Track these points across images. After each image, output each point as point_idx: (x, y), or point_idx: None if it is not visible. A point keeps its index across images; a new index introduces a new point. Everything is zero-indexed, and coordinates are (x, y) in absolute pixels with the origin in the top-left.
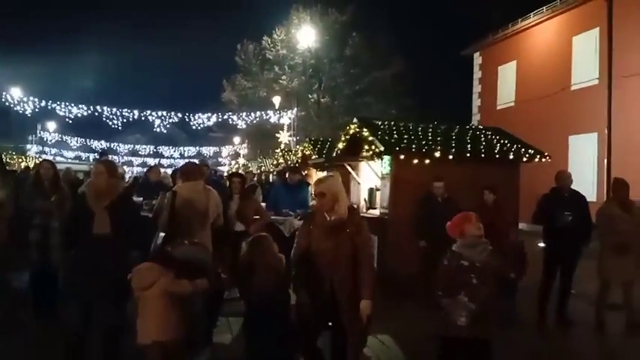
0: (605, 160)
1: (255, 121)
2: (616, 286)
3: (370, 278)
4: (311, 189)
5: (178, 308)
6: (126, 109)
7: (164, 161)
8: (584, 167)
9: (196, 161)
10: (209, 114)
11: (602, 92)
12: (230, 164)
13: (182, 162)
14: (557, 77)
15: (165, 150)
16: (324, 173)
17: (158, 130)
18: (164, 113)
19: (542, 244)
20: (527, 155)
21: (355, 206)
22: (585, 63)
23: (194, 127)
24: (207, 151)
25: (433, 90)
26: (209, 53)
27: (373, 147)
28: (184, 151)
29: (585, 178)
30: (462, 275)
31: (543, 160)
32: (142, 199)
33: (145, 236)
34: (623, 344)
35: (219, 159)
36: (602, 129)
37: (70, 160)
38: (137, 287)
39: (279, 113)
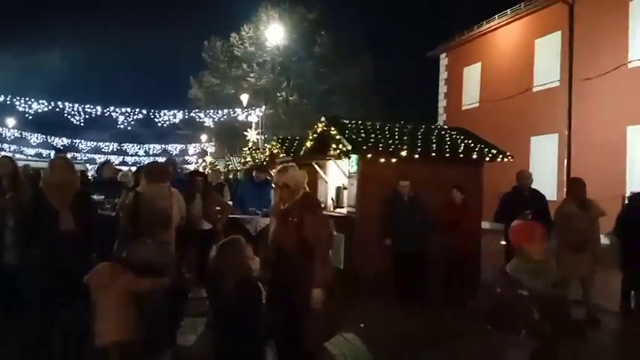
0: (565, 161)
1: (222, 119)
2: (574, 282)
3: (321, 267)
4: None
5: (138, 308)
6: (89, 105)
7: (128, 159)
8: (545, 167)
9: (162, 160)
10: (175, 111)
11: (562, 94)
12: (197, 162)
13: (147, 160)
14: (520, 79)
15: (129, 147)
16: None
17: (122, 126)
18: (128, 110)
19: (503, 242)
20: (490, 155)
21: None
22: (547, 65)
23: (160, 125)
24: (174, 148)
25: (401, 90)
26: (175, 49)
27: (341, 146)
28: (149, 148)
29: (546, 177)
30: (520, 307)
31: (506, 159)
32: (103, 197)
33: (104, 235)
34: (580, 338)
35: (186, 157)
36: (562, 130)
37: (30, 157)
38: (95, 287)
39: (247, 111)
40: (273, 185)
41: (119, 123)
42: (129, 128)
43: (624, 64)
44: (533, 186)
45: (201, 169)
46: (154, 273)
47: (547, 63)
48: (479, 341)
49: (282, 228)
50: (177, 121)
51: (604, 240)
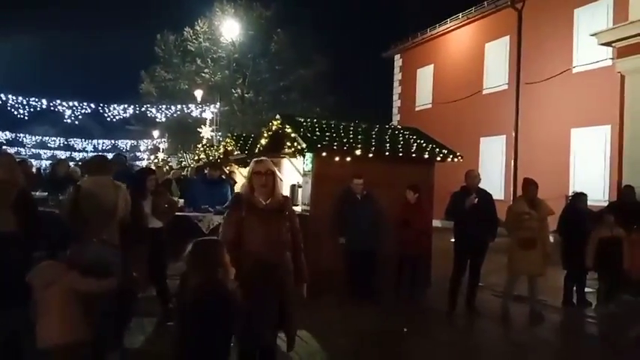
0: (512, 161)
1: (175, 115)
2: (523, 279)
3: (304, 263)
4: (239, 179)
5: (83, 308)
6: (33, 98)
7: (76, 154)
8: (493, 167)
9: (110, 155)
10: (126, 105)
11: (510, 97)
12: (149, 159)
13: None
14: (470, 81)
15: (77, 142)
16: (247, 169)
17: (69, 121)
18: (76, 103)
19: (453, 240)
20: (441, 155)
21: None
22: (496, 69)
23: (109, 119)
24: (124, 144)
25: (356, 89)
26: (126, 42)
27: (295, 144)
28: (98, 144)
29: (494, 177)
30: None
31: (456, 159)
32: (46, 194)
33: (47, 233)
34: (526, 333)
35: (137, 153)
36: (509, 131)
37: None
38: (38, 286)
39: (202, 107)
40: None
41: (66, 117)
42: (76, 123)
43: (569, 69)
44: (482, 185)
45: (153, 166)
46: (100, 272)
47: (496, 66)
48: (431, 338)
49: (269, 228)
50: (127, 116)
51: (550, 238)
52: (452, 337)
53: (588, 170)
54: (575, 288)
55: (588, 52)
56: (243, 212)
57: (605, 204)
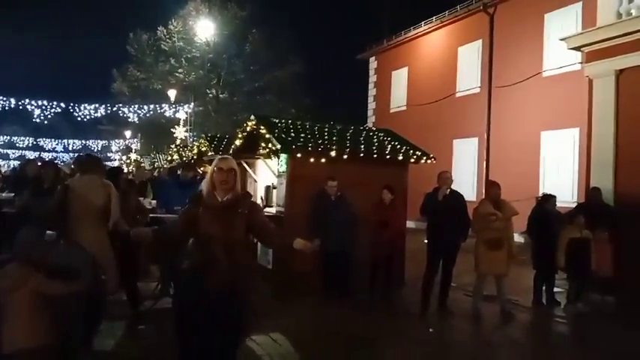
0: (484, 163)
1: (148, 115)
2: (490, 278)
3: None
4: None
5: (49, 312)
6: (1, 97)
7: (45, 155)
8: (466, 169)
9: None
10: (97, 105)
11: (483, 100)
12: (121, 159)
13: (66, 155)
14: (444, 84)
15: (46, 142)
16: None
17: (38, 120)
18: (45, 103)
19: (426, 241)
20: (415, 156)
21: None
22: (469, 72)
23: (80, 119)
24: (95, 144)
25: (332, 91)
26: (97, 40)
27: (270, 145)
28: (69, 144)
29: (467, 178)
30: None
31: (429, 161)
32: (12, 194)
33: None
34: (496, 332)
35: (109, 153)
36: (482, 134)
37: None
38: (3, 290)
39: (175, 107)
40: (212, 174)
41: (35, 116)
42: (46, 122)
43: (539, 72)
44: (455, 187)
45: (125, 167)
46: (69, 275)
47: (469, 69)
48: (404, 337)
49: (223, 225)
50: (99, 115)
51: (518, 238)
52: (424, 336)
53: (557, 172)
54: (544, 288)
55: (558, 56)
56: (200, 209)
57: (574, 205)
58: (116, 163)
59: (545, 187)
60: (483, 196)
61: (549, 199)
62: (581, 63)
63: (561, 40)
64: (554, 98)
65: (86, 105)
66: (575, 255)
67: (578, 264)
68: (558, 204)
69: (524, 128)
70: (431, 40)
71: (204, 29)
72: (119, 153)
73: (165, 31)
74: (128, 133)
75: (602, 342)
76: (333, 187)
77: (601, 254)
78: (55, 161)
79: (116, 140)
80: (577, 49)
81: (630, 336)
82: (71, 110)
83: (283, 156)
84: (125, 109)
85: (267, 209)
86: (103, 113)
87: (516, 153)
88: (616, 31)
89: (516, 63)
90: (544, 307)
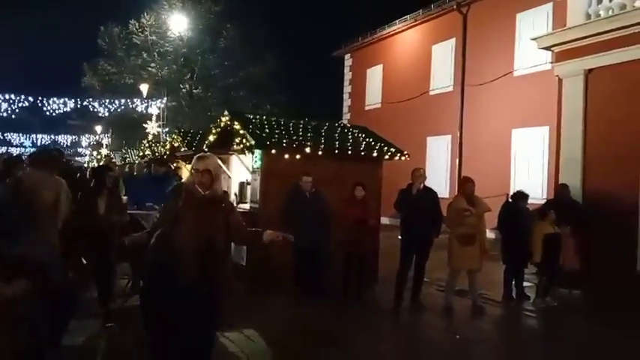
0: (457, 160)
1: (119, 110)
2: (463, 273)
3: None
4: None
5: (9, 313)
6: None
7: (13, 150)
8: (439, 166)
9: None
10: (66, 99)
11: (456, 98)
12: (91, 155)
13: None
14: (418, 82)
15: (14, 137)
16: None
17: (5, 114)
18: (12, 96)
19: (400, 237)
20: (389, 153)
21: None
22: (442, 70)
23: (49, 113)
24: (64, 139)
25: (308, 88)
26: (68, 33)
27: (244, 140)
28: (37, 139)
29: (440, 175)
30: None
31: (403, 158)
32: None
33: None
34: (467, 326)
35: (79, 149)
36: (455, 132)
37: None
38: None
39: (147, 102)
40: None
41: (2, 110)
42: (13, 117)
43: (511, 72)
44: (428, 183)
45: (95, 163)
46: (32, 273)
47: (443, 68)
48: (377, 333)
49: (204, 219)
50: (68, 110)
51: (490, 234)
52: (397, 331)
53: (528, 169)
54: (514, 282)
55: (529, 55)
56: (181, 202)
57: (543, 202)
58: (86, 159)
59: (515, 184)
60: (456, 193)
61: (522, 196)
62: (551, 63)
63: (532, 39)
64: (525, 97)
65: (55, 99)
66: (548, 250)
67: (550, 259)
68: (528, 200)
69: (495, 126)
70: (405, 39)
71: (178, 23)
72: (89, 148)
73: (137, 24)
74: (99, 128)
75: (570, 335)
76: (308, 183)
77: (567, 249)
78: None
79: (86, 135)
80: (547, 48)
81: (597, 329)
82: (40, 104)
83: (257, 152)
84: (96, 104)
85: (241, 205)
86: (73, 107)
87: (488, 150)
88: (585, 32)
89: (489, 62)
90: (514, 301)
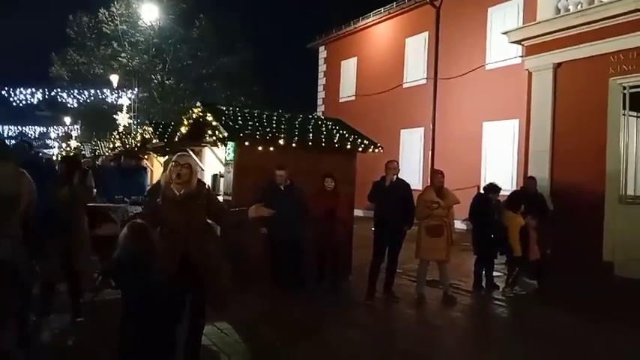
0: (430, 152)
1: (89, 100)
2: (434, 264)
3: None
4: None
5: None
6: None
7: None
8: (412, 158)
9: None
10: (33, 89)
11: (428, 91)
12: (60, 146)
13: None
14: (392, 75)
15: None
16: (165, 158)
17: None
18: None
19: (373, 229)
20: (362, 145)
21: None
22: (416, 63)
23: (15, 104)
24: (32, 130)
25: (282, 79)
26: (35, 22)
27: (217, 132)
28: (3, 130)
29: (413, 167)
30: None
31: (376, 150)
32: None
33: None
34: (439, 315)
35: (47, 140)
36: (428, 124)
37: None
38: None
39: (118, 93)
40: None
41: None
42: None
43: (482, 65)
44: (402, 175)
45: (64, 154)
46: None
47: (416, 61)
48: (352, 324)
49: (183, 214)
50: (36, 101)
51: (461, 225)
52: (371, 322)
53: (498, 161)
54: (484, 272)
55: (500, 49)
56: (160, 200)
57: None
58: (55, 150)
59: (486, 176)
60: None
61: (494, 188)
62: (521, 56)
63: (503, 33)
64: (497, 90)
65: (22, 89)
66: (521, 242)
67: (523, 250)
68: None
69: (467, 119)
70: (379, 31)
71: (149, 12)
72: (58, 140)
73: (107, 13)
74: (68, 120)
75: (537, 322)
76: (282, 177)
77: (531, 240)
78: None
79: (55, 127)
80: (517, 42)
81: (564, 316)
82: (6, 95)
83: (231, 144)
84: (64, 95)
85: None
86: (41, 98)
87: (460, 143)
88: (554, 26)
89: (461, 55)
90: (484, 290)
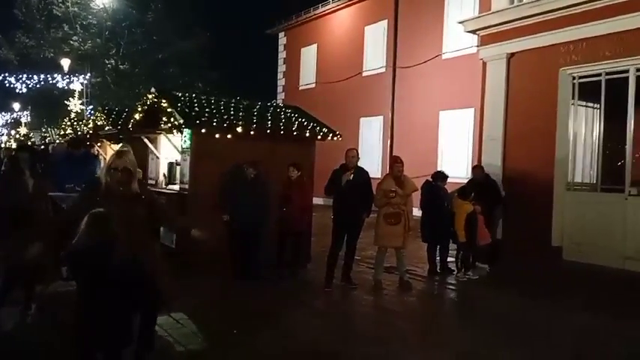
0: (389, 141)
1: (39, 85)
2: (392, 251)
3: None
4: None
5: None
6: None
7: None
8: (372, 146)
9: None
10: None
11: (387, 80)
12: (9, 134)
13: None
14: (351, 63)
15: None
16: (119, 146)
17: None
18: None
19: (332, 216)
20: (321, 133)
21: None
22: (375, 52)
23: None
24: None
25: (241, 66)
26: None
27: (172, 119)
28: None
29: (373, 156)
30: None
31: (335, 139)
32: None
33: None
34: (395, 300)
35: None
36: (387, 113)
37: None
38: None
39: (69, 78)
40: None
41: None
42: None
43: (439, 54)
44: (361, 164)
45: (13, 142)
46: None
47: (375, 49)
48: (310, 310)
49: (123, 211)
50: None
51: (418, 213)
52: (329, 307)
53: (455, 150)
54: (439, 257)
55: (457, 39)
56: (99, 197)
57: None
58: (4, 138)
59: (442, 164)
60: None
61: (440, 175)
62: (477, 46)
63: (459, 23)
64: (453, 80)
65: None
66: (469, 228)
67: (471, 235)
68: (455, 180)
69: (424, 108)
70: (339, 18)
71: None
72: (7, 127)
73: None
74: (17, 106)
75: (490, 305)
76: (250, 173)
77: (480, 225)
78: None
79: (3, 113)
80: (472, 32)
81: (515, 299)
82: None
83: (187, 131)
84: (12, 79)
85: (170, 187)
86: None
87: (418, 131)
88: (508, 16)
89: (419, 44)
90: (438, 275)
